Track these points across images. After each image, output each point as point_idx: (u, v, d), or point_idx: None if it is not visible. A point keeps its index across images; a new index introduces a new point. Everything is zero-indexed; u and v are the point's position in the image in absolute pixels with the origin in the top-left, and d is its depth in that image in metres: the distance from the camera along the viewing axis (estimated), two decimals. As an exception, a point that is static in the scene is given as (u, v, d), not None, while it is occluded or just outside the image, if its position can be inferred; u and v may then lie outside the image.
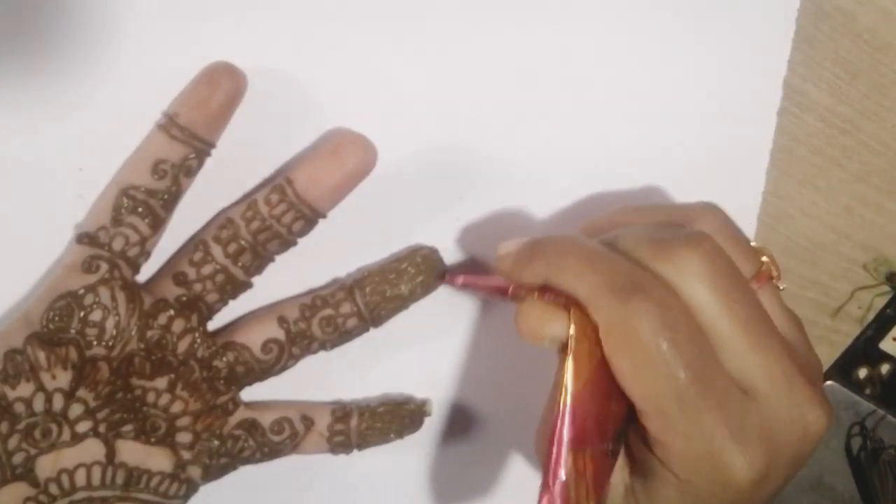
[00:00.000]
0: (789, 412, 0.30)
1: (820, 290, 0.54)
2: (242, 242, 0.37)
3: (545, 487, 0.29)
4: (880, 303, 0.55)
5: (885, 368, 0.57)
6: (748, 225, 0.49)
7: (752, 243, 0.35)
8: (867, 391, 0.57)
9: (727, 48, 0.45)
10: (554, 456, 0.29)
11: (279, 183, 0.37)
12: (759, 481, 0.30)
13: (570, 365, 0.30)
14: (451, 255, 0.43)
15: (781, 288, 0.34)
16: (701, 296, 0.30)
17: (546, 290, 0.33)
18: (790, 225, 0.52)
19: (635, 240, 0.32)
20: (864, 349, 0.56)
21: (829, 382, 0.57)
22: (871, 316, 0.55)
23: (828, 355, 0.56)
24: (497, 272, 0.36)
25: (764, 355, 0.30)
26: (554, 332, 0.31)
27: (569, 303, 0.31)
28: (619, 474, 0.34)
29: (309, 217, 0.37)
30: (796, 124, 0.49)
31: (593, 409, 0.30)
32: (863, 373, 0.57)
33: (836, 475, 0.60)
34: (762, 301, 0.32)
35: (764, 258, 0.34)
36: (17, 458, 0.35)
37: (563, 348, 0.31)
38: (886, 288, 0.54)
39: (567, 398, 0.29)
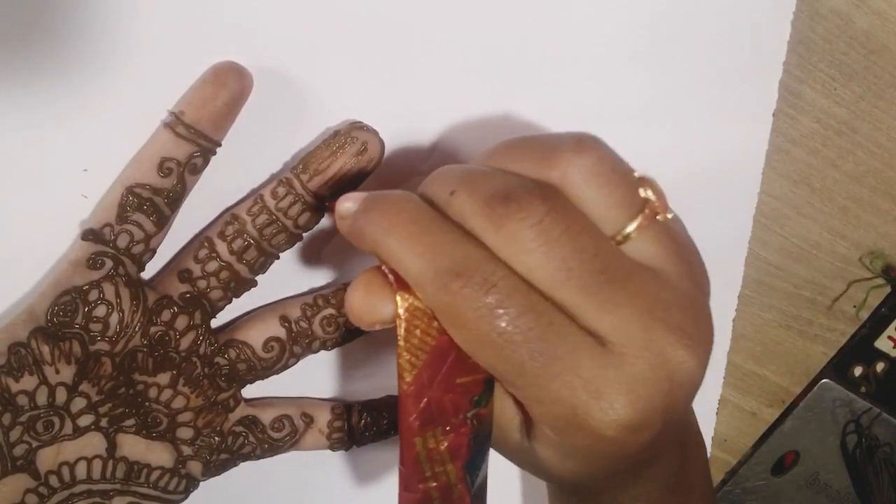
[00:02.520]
0: (649, 363, 0.29)
1: (815, 290, 0.54)
2: (248, 238, 0.37)
3: (401, 470, 0.30)
4: (875, 297, 0.55)
5: (880, 366, 0.57)
6: (744, 226, 0.49)
7: (637, 173, 0.32)
8: (862, 389, 0.58)
9: (723, 50, 0.45)
10: (402, 441, 0.30)
11: (285, 177, 0.37)
12: (630, 432, 0.29)
13: (403, 354, 0.29)
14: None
15: (669, 216, 0.31)
16: (533, 267, 0.29)
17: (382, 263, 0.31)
18: (785, 225, 0.52)
19: (469, 206, 0.29)
20: (860, 347, 0.56)
21: (824, 380, 0.57)
22: (866, 314, 0.56)
23: (823, 354, 0.57)
24: (344, 234, 0.34)
25: (614, 314, 0.29)
26: (383, 317, 0.31)
27: (399, 282, 0.30)
28: (512, 423, 0.33)
29: (314, 206, 0.38)
30: (792, 125, 0.49)
31: (439, 390, 0.30)
32: (858, 371, 0.57)
33: (831, 472, 0.60)
34: (643, 243, 0.31)
35: (649, 192, 0.31)
36: (19, 450, 0.35)
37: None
38: (881, 281, 0.54)
39: (405, 386, 0.29)
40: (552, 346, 0.28)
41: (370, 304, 0.31)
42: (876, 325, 0.56)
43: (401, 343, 0.29)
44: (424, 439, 0.30)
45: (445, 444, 0.30)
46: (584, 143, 0.31)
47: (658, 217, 0.31)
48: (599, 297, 0.29)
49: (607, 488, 0.36)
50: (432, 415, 0.30)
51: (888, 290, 0.55)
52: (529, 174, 0.30)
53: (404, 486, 0.31)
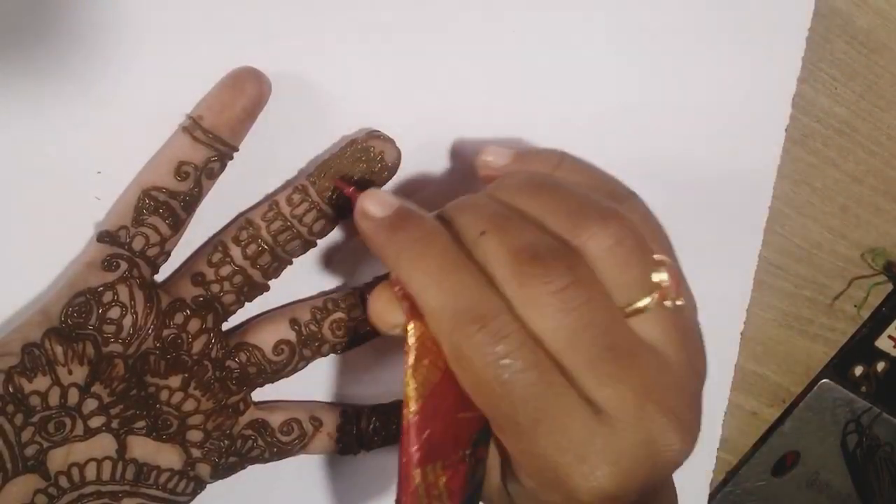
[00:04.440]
0: (637, 438, 0.30)
1: (816, 289, 0.55)
2: (262, 244, 0.37)
3: (397, 501, 0.30)
4: (876, 296, 0.55)
5: (880, 366, 0.57)
6: (756, 229, 0.49)
7: (657, 256, 0.32)
8: (863, 389, 0.58)
9: (738, 54, 0.45)
10: (402, 472, 0.30)
11: (301, 183, 0.38)
12: (605, 500, 0.30)
13: (410, 383, 0.30)
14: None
15: (679, 303, 0.32)
16: (546, 330, 0.29)
17: (398, 282, 0.32)
18: (786, 224, 0.52)
19: (496, 253, 0.30)
20: (860, 347, 0.57)
21: (824, 380, 0.57)
22: (866, 314, 0.56)
23: (824, 353, 0.57)
24: (357, 227, 0.34)
25: (612, 388, 0.30)
26: (400, 321, 0.31)
27: (412, 308, 0.31)
28: (494, 470, 0.34)
29: (329, 215, 0.38)
30: (792, 125, 0.49)
31: (442, 423, 0.30)
32: (859, 370, 0.57)
33: (832, 472, 0.60)
34: (648, 323, 0.31)
35: (664, 275, 0.32)
36: (30, 451, 0.35)
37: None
38: (883, 278, 0.54)
39: (410, 416, 0.30)
40: (548, 405, 0.29)
41: (392, 309, 0.32)
42: (876, 324, 0.56)
43: (408, 372, 0.30)
44: (424, 472, 0.30)
45: (444, 479, 0.30)
46: (610, 218, 0.32)
47: (666, 302, 0.32)
48: (601, 371, 0.30)
49: None
50: (434, 447, 0.30)
51: (889, 287, 0.55)
52: (554, 230, 0.31)
53: None
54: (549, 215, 0.32)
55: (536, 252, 0.30)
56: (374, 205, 0.33)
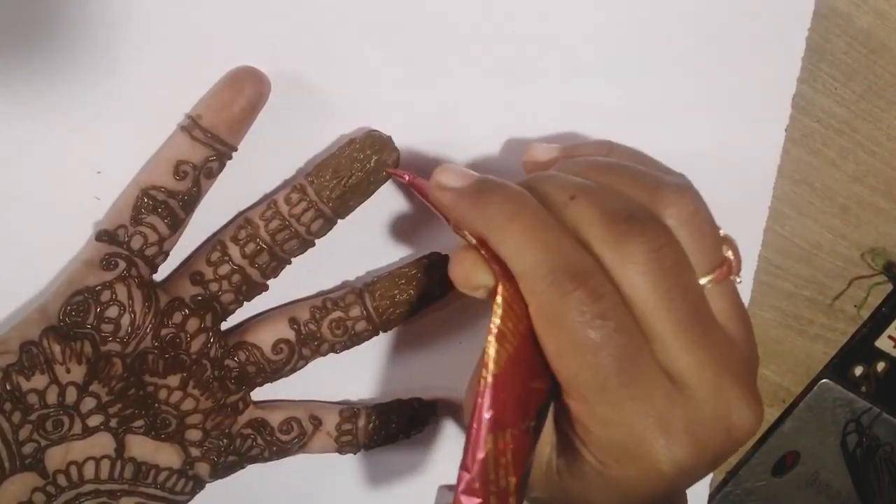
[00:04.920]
0: (715, 411, 0.30)
1: (816, 289, 0.55)
2: (260, 243, 0.37)
3: (464, 467, 0.29)
4: (876, 296, 0.55)
5: (880, 366, 0.57)
6: (756, 227, 0.49)
7: (722, 232, 0.33)
8: (863, 389, 0.58)
9: (738, 54, 0.45)
10: (473, 437, 0.29)
11: (299, 183, 0.38)
12: (680, 473, 0.30)
13: (493, 345, 0.29)
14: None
15: (738, 281, 0.33)
16: (640, 289, 0.29)
17: (484, 244, 0.31)
18: (786, 224, 0.52)
19: (589, 215, 0.30)
20: (860, 347, 0.57)
21: (824, 380, 0.57)
22: (866, 314, 0.56)
23: (824, 353, 0.57)
24: (433, 200, 0.34)
25: (695, 355, 0.30)
26: (487, 282, 0.31)
27: (501, 271, 0.30)
28: (545, 448, 0.33)
29: (327, 214, 0.38)
30: (792, 125, 0.49)
31: (515, 389, 0.30)
32: (859, 371, 0.57)
33: (832, 472, 0.60)
34: (715, 297, 0.32)
35: (729, 252, 0.33)
36: (28, 449, 0.35)
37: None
38: (883, 278, 0.54)
39: (489, 378, 0.29)
40: (637, 369, 0.29)
41: (478, 270, 0.31)
42: (876, 324, 0.56)
43: (492, 334, 0.29)
44: (495, 438, 0.29)
45: (511, 448, 0.29)
46: (685, 188, 0.32)
47: (732, 277, 0.32)
48: (687, 336, 0.30)
49: None
50: (505, 415, 0.29)
51: (889, 287, 0.55)
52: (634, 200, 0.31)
53: (466, 489, 0.29)
54: (627, 188, 0.32)
55: (631, 213, 0.30)
56: (450, 176, 0.33)
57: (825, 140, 0.50)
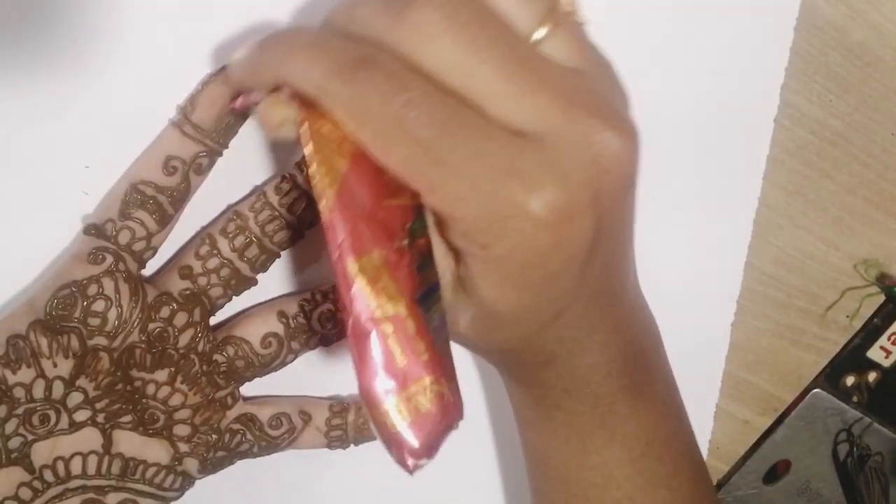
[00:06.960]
0: (570, 143, 0.28)
1: (809, 299, 0.55)
2: (249, 235, 0.37)
3: (342, 309, 0.28)
4: (868, 306, 0.55)
5: (872, 376, 0.57)
6: (744, 231, 0.49)
7: None
8: (854, 399, 0.58)
9: (725, 58, 0.45)
10: (338, 275, 0.27)
11: (289, 172, 0.38)
12: (559, 217, 0.28)
13: (315, 176, 0.27)
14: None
15: (582, 22, 0.30)
16: (444, 55, 0.27)
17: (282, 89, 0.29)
18: (780, 235, 0.52)
19: (369, 12, 0.28)
20: (852, 357, 0.57)
21: (816, 390, 0.57)
22: (858, 324, 0.56)
23: (816, 363, 0.57)
24: (232, 84, 0.33)
25: (532, 98, 0.27)
26: (285, 115, 0.29)
27: (305, 106, 0.28)
28: (445, 262, 0.31)
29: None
30: (787, 136, 0.49)
31: (364, 212, 0.28)
32: (850, 381, 0.57)
33: (823, 481, 0.60)
34: (559, 44, 0.29)
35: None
36: (14, 443, 0.35)
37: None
38: (876, 289, 0.54)
39: (328, 211, 0.27)
40: (468, 131, 0.27)
41: (276, 111, 0.29)
42: (868, 335, 0.56)
43: (312, 166, 0.28)
44: (361, 265, 0.28)
45: (386, 271, 0.28)
46: None
47: (570, 16, 0.30)
48: (515, 82, 0.27)
49: (562, 352, 0.34)
50: (363, 239, 0.28)
51: (882, 298, 0.55)
52: None
53: (351, 331, 0.28)
54: None
55: (399, 2, 0.28)
56: (238, 52, 0.32)
57: (819, 151, 0.50)
